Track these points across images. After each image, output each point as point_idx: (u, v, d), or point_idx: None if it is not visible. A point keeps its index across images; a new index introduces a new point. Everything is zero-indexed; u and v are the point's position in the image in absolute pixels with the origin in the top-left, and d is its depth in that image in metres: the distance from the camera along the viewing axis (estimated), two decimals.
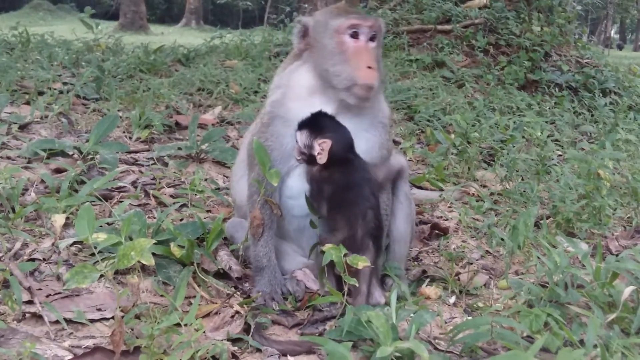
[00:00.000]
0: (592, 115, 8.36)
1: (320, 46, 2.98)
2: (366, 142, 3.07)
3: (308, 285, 3.08)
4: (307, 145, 2.91)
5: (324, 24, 2.98)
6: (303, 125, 2.91)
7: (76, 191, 3.82)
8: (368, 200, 2.89)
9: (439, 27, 10.03)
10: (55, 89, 6.48)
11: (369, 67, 2.90)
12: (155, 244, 3.17)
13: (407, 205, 3.32)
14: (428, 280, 3.35)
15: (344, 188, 2.90)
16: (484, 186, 5.30)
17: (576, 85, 9.23)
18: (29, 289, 2.72)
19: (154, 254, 3.04)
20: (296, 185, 3.09)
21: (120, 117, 5.97)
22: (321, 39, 2.98)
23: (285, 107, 3.05)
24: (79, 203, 3.45)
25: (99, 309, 2.77)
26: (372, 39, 2.98)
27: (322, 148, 2.87)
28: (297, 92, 3.06)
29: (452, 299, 3.21)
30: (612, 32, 71.54)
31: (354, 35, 2.94)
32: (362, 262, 2.66)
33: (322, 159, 2.88)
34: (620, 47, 61.77)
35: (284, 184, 3.11)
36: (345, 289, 2.75)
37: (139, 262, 2.30)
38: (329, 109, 2.98)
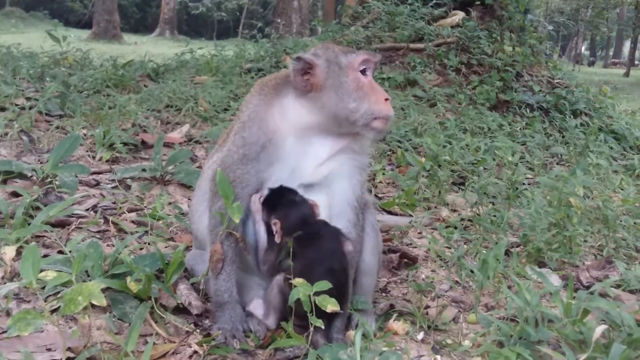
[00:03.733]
0: (563, 137, 8.38)
1: (331, 85, 2.90)
2: (350, 181, 3.05)
3: (261, 319, 2.97)
4: (267, 222, 2.98)
5: (335, 63, 2.92)
6: (263, 202, 2.97)
7: (32, 217, 3.67)
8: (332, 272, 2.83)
9: (412, 45, 10.00)
10: (17, 105, 6.30)
11: (386, 99, 2.91)
12: (111, 277, 3.05)
13: (374, 236, 3.24)
14: (396, 314, 3.25)
15: (305, 262, 2.84)
16: (455, 211, 5.24)
17: (547, 105, 9.25)
18: None
19: (109, 289, 2.93)
20: None
21: (85, 135, 5.83)
22: (334, 78, 2.91)
23: (275, 147, 2.94)
24: (32, 233, 3.30)
25: (49, 349, 2.62)
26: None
27: (276, 228, 2.93)
28: (292, 128, 2.95)
29: (420, 335, 3.11)
30: (583, 48, 72.74)
31: (363, 72, 2.93)
32: (332, 306, 2.56)
33: (277, 237, 2.93)
34: (592, 63, 62.89)
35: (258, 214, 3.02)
36: (311, 329, 2.65)
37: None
38: (325, 148, 2.98)
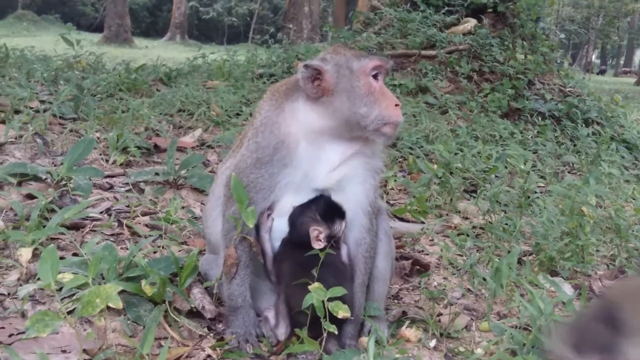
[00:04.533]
0: (575, 145, 8.36)
1: (343, 89, 2.91)
2: (363, 186, 3.06)
3: (274, 332, 2.96)
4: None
5: (346, 67, 2.93)
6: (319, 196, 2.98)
7: (47, 219, 3.69)
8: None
9: (423, 52, 10.01)
10: (32, 108, 6.34)
11: (396, 105, 2.94)
12: (126, 280, 3.07)
13: (387, 242, 3.25)
14: (408, 321, 3.25)
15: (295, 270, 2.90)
16: (466, 218, 5.23)
17: (559, 114, 9.24)
18: None
19: (124, 292, 2.94)
20: (279, 225, 3.01)
21: (98, 138, 5.85)
22: (345, 82, 2.91)
23: (288, 149, 2.95)
24: (47, 235, 3.32)
25: (64, 351, 2.63)
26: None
27: (317, 235, 2.94)
28: (303, 132, 2.96)
29: (433, 342, 3.11)
30: (594, 57, 72.52)
31: (375, 77, 2.94)
32: (343, 311, 2.57)
33: (316, 244, 2.93)
34: (602, 72, 62.70)
35: (267, 224, 3.04)
36: (325, 334, 2.66)
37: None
38: (337, 153, 2.98)
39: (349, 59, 2.95)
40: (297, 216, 2.94)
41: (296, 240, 2.95)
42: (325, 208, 2.93)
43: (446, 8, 10.97)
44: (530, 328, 2.92)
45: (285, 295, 2.90)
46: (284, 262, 2.96)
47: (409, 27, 10.53)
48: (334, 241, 2.96)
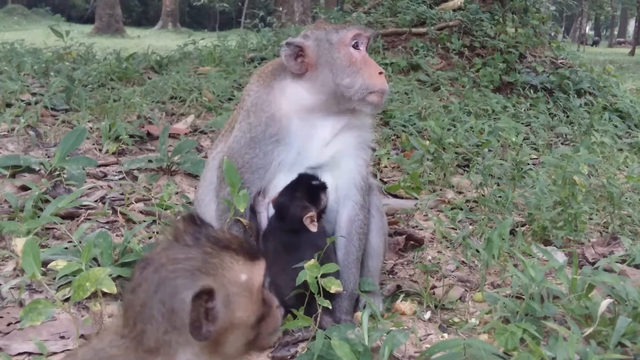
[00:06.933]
0: (567, 117, 8.36)
1: (325, 62, 2.96)
2: (355, 161, 3.10)
3: None
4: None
5: (325, 40, 2.97)
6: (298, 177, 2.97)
7: (41, 210, 3.71)
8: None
9: (414, 29, 9.98)
10: (23, 101, 6.34)
11: (380, 73, 2.99)
12: (121, 265, 3.09)
13: (379, 218, 3.29)
14: (403, 295, 3.28)
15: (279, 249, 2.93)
16: (460, 192, 5.25)
17: (551, 86, 9.24)
18: None
19: (120, 277, 2.97)
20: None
21: (91, 128, 5.86)
22: (326, 55, 2.96)
23: (279, 125, 2.98)
24: (41, 225, 3.34)
25: (62, 337, 2.67)
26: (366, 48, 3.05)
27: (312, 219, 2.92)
28: (294, 109, 3.00)
29: (427, 315, 3.15)
30: (587, 28, 72.22)
31: (356, 46, 2.99)
32: (335, 286, 2.60)
33: (313, 227, 2.92)
34: (596, 43, 62.52)
35: (265, 201, 3.07)
36: (319, 310, 2.69)
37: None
38: (327, 128, 3.02)
39: (328, 32, 2.99)
40: (286, 207, 2.94)
41: (287, 227, 2.96)
42: (310, 189, 2.95)
43: None
44: (523, 296, 2.95)
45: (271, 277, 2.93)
46: (269, 242, 2.98)
47: (399, 5, 10.51)
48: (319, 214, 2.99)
